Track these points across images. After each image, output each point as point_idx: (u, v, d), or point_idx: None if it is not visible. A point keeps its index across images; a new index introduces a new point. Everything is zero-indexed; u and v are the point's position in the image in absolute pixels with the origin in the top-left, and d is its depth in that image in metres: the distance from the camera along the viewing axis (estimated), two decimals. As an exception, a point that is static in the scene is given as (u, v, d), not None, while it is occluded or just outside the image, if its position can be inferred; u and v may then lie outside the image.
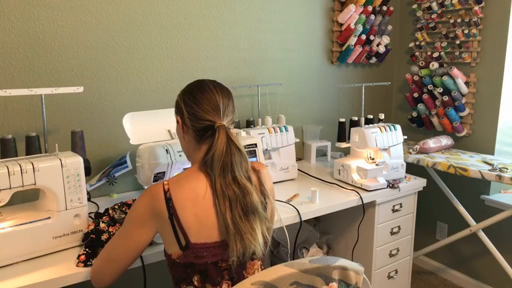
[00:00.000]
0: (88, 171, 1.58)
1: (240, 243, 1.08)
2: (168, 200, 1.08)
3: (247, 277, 1.15)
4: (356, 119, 2.31)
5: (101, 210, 1.54)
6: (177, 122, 1.23)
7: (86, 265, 1.25)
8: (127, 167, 1.85)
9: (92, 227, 1.37)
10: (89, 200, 1.69)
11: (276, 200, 1.81)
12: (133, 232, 1.12)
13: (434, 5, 2.61)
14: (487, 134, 2.51)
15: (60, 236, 1.33)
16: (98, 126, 1.89)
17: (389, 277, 2.16)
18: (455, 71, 2.49)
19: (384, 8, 2.67)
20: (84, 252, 1.28)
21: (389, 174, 2.08)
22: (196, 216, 1.08)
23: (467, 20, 2.46)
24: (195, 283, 1.11)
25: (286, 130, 2.12)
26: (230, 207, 1.09)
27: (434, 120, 2.66)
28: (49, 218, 1.32)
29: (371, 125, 2.15)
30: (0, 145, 1.52)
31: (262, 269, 1.20)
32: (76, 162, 1.35)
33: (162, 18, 1.99)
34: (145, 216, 1.10)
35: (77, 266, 1.25)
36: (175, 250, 1.10)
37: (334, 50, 2.62)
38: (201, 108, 1.15)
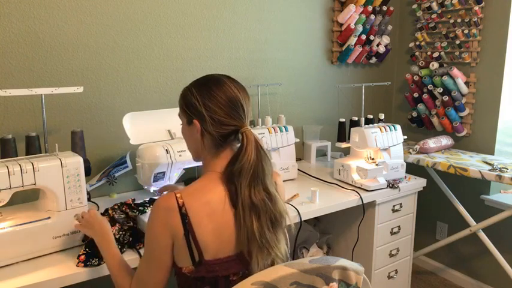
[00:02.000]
0: (88, 171, 1.58)
1: (263, 256, 1.03)
2: (184, 216, 1.00)
3: None
4: (356, 119, 2.30)
5: (101, 210, 1.54)
6: (190, 123, 1.10)
7: (85, 265, 1.25)
8: (127, 167, 1.85)
9: None
10: (89, 200, 1.70)
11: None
12: (158, 252, 1.04)
13: (434, 5, 2.61)
14: (487, 134, 2.51)
15: (60, 236, 1.33)
16: (98, 126, 1.89)
17: (389, 277, 2.16)
18: (455, 71, 2.49)
19: (384, 8, 2.67)
20: (84, 252, 1.28)
21: (389, 174, 2.08)
22: (212, 232, 1.02)
23: (467, 20, 2.46)
24: None
25: (286, 130, 2.12)
26: (258, 218, 1.03)
27: (434, 120, 2.66)
28: (49, 218, 1.32)
29: (371, 125, 2.14)
30: (0, 145, 1.52)
31: None
32: (76, 162, 1.35)
33: (162, 18, 1.99)
34: (164, 233, 1.02)
35: (77, 266, 1.25)
36: (186, 264, 1.04)
37: (334, 50, 2.62)
38: (224, 111, 1.05)
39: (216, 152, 1.10)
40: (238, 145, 1.09)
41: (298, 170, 2.20)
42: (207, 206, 1.02)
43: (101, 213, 1.45)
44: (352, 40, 2.56)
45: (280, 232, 1.08)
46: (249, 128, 1.08)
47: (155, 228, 1.02)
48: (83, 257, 1.27)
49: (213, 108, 1.06)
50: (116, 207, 1.49)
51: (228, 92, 1.07)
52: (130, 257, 1.32)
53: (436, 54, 2.63)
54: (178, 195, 1.01)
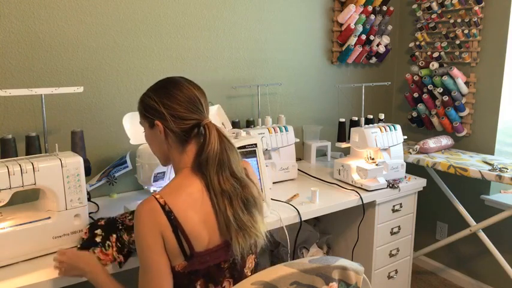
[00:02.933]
0: (88, 171, 1.58)
1: (243, 239, 1.06)
2: (169, 213, 1.01)
3: (246, 272, 1.15)
4: (356, 119, 2.31)
5: (101, 214, 1.51)
6: (152, 126, 1.14)
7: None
8: (127, 167, 1.85)
9: (87, 235, 1.31)
10: (89, 200, 1.69)
11: (276, 200, 1.81)
12: (154, 257, 1.02)
13: (434, 5, 2.61)
14: (487, 134, 2.51)
15: (60, 236, 1.33)
16: (98, 126, 1.89)
17: (389, 277, 2.16)
18: (455, 71, 2.49)
19: (384, 8, 2.67)
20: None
21: (389, 174, 2.08)
22: (199, 223, 1.05)
23: (467, 20, 2.46)
24: (198, 287, 1.08)
25: (286, 130, 2.12)
26: (230, 203, 1.07)
27: (434, 120, 2.66)
28: (49, 218, 1.32)
29: (371, 125, 2.14)
30: (0, 145, 1.52)
31: (256, 262, 1.20)
32: (76, 162, 1.35)
33: (162, 18, 1.99)
34: (153, 235, 1.01)
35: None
36: (179, 262, 1.05)
37: (334, 50, 2.62)
38: (184, 107, 1.10)
39: (182, 149, 1.13)
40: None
41: (298, 170, 2.20)
42: (189, 199, 1.05)
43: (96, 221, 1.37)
44: (352, 40, 2.56)
45: (256, 212, 1.11)
46: (210, 119, 1.12)
47: (144, 234, 1.02)
48: None
49: (172, 105, 1.10)
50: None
51: (185, 89, 1.12)
52: (130, 257, 1.32)
53: (436, 54, 2.63)
54: (157, 196, 1.03)
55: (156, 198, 1.03)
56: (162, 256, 1.03)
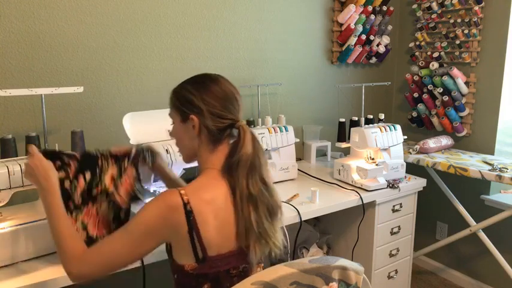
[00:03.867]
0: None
1: (260, 247, 1.04)
2: (189, 213, 0.98)
3: None
4: (356, 119, 2.31)
5: None
6: (185, 120, 1.10)
7: None
8: (127, 167, 1.84)
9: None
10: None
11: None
12: (140, 241, 1.00)
13: (434, 5, 2.61)
14: (487, 134, 2.51)
15: (60, 236, 1.33)
16: (98, 126, 1.89)
17: (389, 277, 2.16)
18: (455, 71, 2.49)
19: (384, 8, 2.67)
20: None
21: (389, 174, 2.08)
22: (216, 229, 1.02)
23: (467, 20, 2.46)
24: None
25: (286, 130, 2.12)
26: (255, 208, 1.04)
27: (434, 120, 2.66)
28: (49, 218, 1.32)
29: (371, 125, 2.14)
30: (0, 145, 1.52)
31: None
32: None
33: (162, 18, 1.99)
34: (158, 228, 0.99)
35: None
36: (189, 262, 1.03)
37: (334, 50, 2.62)
38: (222, 105, 1.07)
39: (213, 148, 1.10)
40: (233, 140, 1.11)
41: (298, 170, 2.20)
42: (212, 204, 1.03)
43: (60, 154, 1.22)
44: (352, 40, 2.56)
45: (277, 222, 1.09)
46: (244, 121, 1.10)
47: (151, 218, 0.99)
48: None
49: (211, 101, 1.07)
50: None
51: (224, 86, 1.10)
52: (134, 266, 1.32)
53: (436, 54, 2.63)
54: (182, 191, 1.00)
55: (181, 194, 0.99)
56: (147, 246, 1.01)
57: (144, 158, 1.31)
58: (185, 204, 0.99)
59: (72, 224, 1.15)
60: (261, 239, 1.04)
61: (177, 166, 1.71)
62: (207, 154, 1.11)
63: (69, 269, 1.02)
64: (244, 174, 1.04)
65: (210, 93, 1.08)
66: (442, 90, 2.58)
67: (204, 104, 1.07)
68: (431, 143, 2.48)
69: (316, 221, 2.38)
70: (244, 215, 1.03)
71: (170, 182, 1.38)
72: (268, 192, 1.07)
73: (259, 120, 2.17)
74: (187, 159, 1.18)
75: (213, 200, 1.03)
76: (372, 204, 1.98)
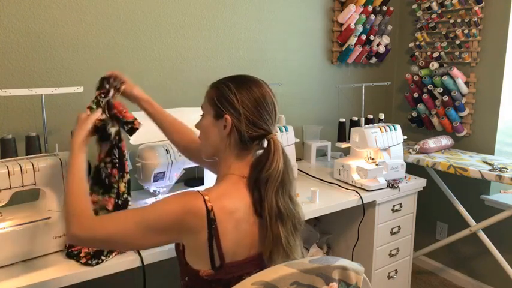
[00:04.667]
0: (88, 171, 1.58)
1: (284, 260, 1.02)
2: (211, 221, 0.96)
3: None
4: (356, 119, 2.31)
5: None
6: (219, 118, 1.06)
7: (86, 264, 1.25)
8: (127, 167, 1.84)
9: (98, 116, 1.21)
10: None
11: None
12: (150, 234, 0.96)
13: (434, 5, 2.61)
14: (487, 134, 2.51)
15: (60, 236, 1.33)
16: (98, 126, 1.89)
17: (389, 277, 2.16)
18: (455, 71, 2.49)
19: (384, 8, 2.67)
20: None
21: (389, 174, 2.08)
22: (236, 239, 1.01)
23: (467, 20, 2.46)
24: None
25: (286, 130, 2.12)
26: (283, 225, 1.02)
27: (434, 120, 2.66)
28: (49, 218, 1.32)
29: (371, 125, 2.14)
30: (0, 145, 1.52)
31: None
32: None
33: (162, 18, 1.99)
34: (174, 228, 0.97)
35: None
36: (205, 268, 1.01)
37: (334, 50, 2.62)
38: (260, 114, 1.04)
39: (239, 154, 1.07)
40: (260, 151, 1.08)
41: (298, 170, 2.20)
42: (235, 215, 1.00)
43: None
44: (352, 40, 2.56)
45: (299, 236, 1.08)
46: (276, 134, 1.05)
47: (170, 216, 0.96)
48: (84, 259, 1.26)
49: (250, 107, 1.03)
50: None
51: (267, 94, 1.06)
52: (130, 257, 1.32)
53: (436, 54, 2.63)
54: (206, 197, 0.97)
55: (205, 200, 0.96)
56: (156, 240, 0.98)
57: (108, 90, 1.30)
58: (208, 212, 0.96)
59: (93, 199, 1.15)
60: (286, 253, 1.02)
61: (177, 166, 1.72)
62: (232, 159, 1.08)
63: (71, 230, 1.00)
64: (274, 190, 1.01)
65: (252, 98, 1.04)
66: (442, 90, 2.58)
67: (244, 108, 1.03)
68: (431, 143, 2.48)
69: (316, 221, 2.38)
70: (273, 231, 1.01)
71: (153, 112, 1.36)
72: (294, 207, 1.05)
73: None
74: (205, 156, 1.15)
75: (236, 210, 1.01)
76: (372, 204, 1.98)
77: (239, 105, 1.03)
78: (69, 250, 1.30)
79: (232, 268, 1.02)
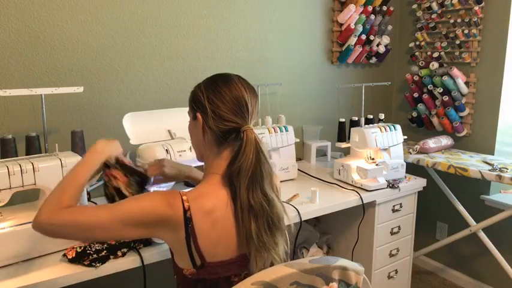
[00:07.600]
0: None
1: (261, 259, 1.02)
2: (188, 221, 0.97)
3: None
4: (356, 119, 2.31)
5: None
6: (195, 118, 1.09)
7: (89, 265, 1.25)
8: (127, 167, 1.84)
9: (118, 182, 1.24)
10: (89, 200, 1.69)
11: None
12: (124, 226, 0.97)
13: (434, 5, 2.61)
14: (487, 134, 2.51)
15: (60, 236, 1.33)
16: (98, 126, 1.89)
17: (389, 277, 2.16)
18: (455, 71, 2.49)
19: (384, 8, 2.67)
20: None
21: (389, 174, 2.08)
22: (215, 238, 1.01)
23: (467, 20, 2.46)
24: None
25: (286, 130, 2.12)
26: (255, 220, 1.02)
27: (434, 120, 2.66)
28: (49, 218, 1.32)
29: (371, 125, 2.15)
30: (0, 145, 1.52)
31: None
32: (76, 162, 1.34)
33: (162, 18, 1.99)
34: (150, 222, 0.98)
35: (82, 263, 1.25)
36: (187, 267, 1.02)
37: (334, 50, 2.62)
38: (227, 107, 1.04)
39: (218, 151, 1.08)
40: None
41: (298, 170, 2.20)
42: (212, 214, 1.01)
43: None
44: (352, 40, 2.56)
45: (278, 235, 1.06)
46: (252, 127, 1.05)
47: (147, 210, 0.97)
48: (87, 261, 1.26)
49: (216, 102, 1.04)
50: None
51: (234, 89, 1.06)
52: (130, 257, 1.32)
53: (436, 54, 2.63)
54: (184, 197, 0.99)
55: (182, 200, 0.98)
56: (129, 233, 0.99)
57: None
58: (185, 211, 0.98)
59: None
60: (261, 251, 1.02)
61: (177, 166, 1.71)
62: (212, 157, 1.09)
63: (40, 214, 0.98)
64: (245, 184, 1.01)
65: (218, 94, 1.05)
66: (442, 90, 2.58)
67: (209, 104, 1.05)
68: (431, 143, 2.48)
69: (316, 221, 2.38)
70: (245, 225, 1.01)
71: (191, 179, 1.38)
72: (269, 205, 1.03)
73: (259, 120, 2.17)
74: (198, 158, 1.17)
75: (213, 209, 1.01)
76: (372, 204, 1.98)
77: (205, 102, 1.05)
78: (70, 258, 1.28)
79: (216, 268, 1.02)
